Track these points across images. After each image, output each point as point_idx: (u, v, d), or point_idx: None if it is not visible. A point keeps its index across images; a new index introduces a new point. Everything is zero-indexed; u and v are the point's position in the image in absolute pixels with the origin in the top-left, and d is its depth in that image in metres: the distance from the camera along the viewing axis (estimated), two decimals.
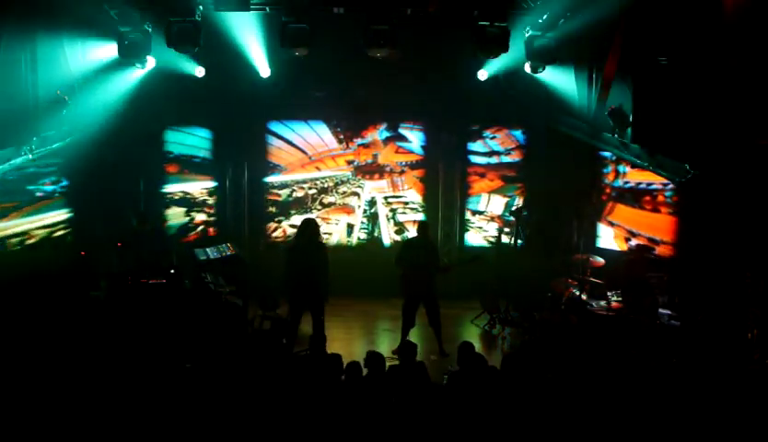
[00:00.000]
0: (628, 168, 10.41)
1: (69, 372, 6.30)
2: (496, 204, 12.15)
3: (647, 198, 10.18)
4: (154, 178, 11.70)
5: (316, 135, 12.08)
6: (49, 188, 10.90)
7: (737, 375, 6.73)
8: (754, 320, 6.86)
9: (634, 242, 10.27)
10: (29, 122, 8.54)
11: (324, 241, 8.82)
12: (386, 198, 12.28)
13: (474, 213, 12.21)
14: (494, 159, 12.10)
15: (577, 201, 11.18)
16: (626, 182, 10.59)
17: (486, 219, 12.15)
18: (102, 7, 8.55)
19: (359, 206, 12.29)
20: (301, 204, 12.23)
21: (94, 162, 10.39)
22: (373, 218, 12.34)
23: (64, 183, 11.01)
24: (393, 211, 12.31)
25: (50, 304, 8.43)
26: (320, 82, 11.36)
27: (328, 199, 12.30)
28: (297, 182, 12.19)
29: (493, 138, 12.07)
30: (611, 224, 10.87)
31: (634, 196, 10.43)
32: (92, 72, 9.36)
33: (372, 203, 12.30)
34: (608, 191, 10.96)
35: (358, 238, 12.28)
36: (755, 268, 7.00)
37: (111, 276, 9.03)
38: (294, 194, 12.21)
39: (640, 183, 10.31)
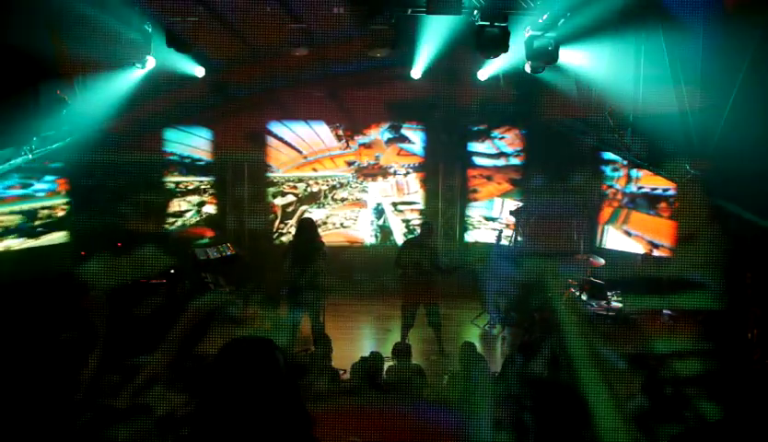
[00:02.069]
0: (641, 173, 10.05)
1: (69, 372, 6.29)
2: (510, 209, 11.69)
3: (664, 204, 9.85)
4: (154, 178, 11.69)
5: (313, 133, 11.85)
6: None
7: (737, 375, 6.72)
8: (754, 320, 6.84)
9: (656, 254, 9.93)
10: (29, 122, 8.53)
11: (323, 241, 8.82)
12: (394, 204, 11.97)
13: (488, 220, 12.01)
14: (502, 161, 11.88)
15: (577, 201, 11.14)
16: (640, 187, 10.25)
17: (502, 226, 11.84)
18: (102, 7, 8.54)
19: (366, 218, 11.86)
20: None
21: (94, 162, 10.37)
22: (384, 235, 11.82)
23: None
24: (407, 221, 11.87)
25: (50, 304, 8.42)
26: (320, 82, 11.35)
27: (318, 213, 11.86)
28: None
29: (501, 138, 11.87)
30: (629, 233, 10.44)
31: (650, 202, 10.07)
32: (92, 72, 9.34)
33: (380, 212, 11.91)
34: (620, 197, 10.69)
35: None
36: (755, 268, 6.97)
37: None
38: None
39: (656, 188, 9.89)
